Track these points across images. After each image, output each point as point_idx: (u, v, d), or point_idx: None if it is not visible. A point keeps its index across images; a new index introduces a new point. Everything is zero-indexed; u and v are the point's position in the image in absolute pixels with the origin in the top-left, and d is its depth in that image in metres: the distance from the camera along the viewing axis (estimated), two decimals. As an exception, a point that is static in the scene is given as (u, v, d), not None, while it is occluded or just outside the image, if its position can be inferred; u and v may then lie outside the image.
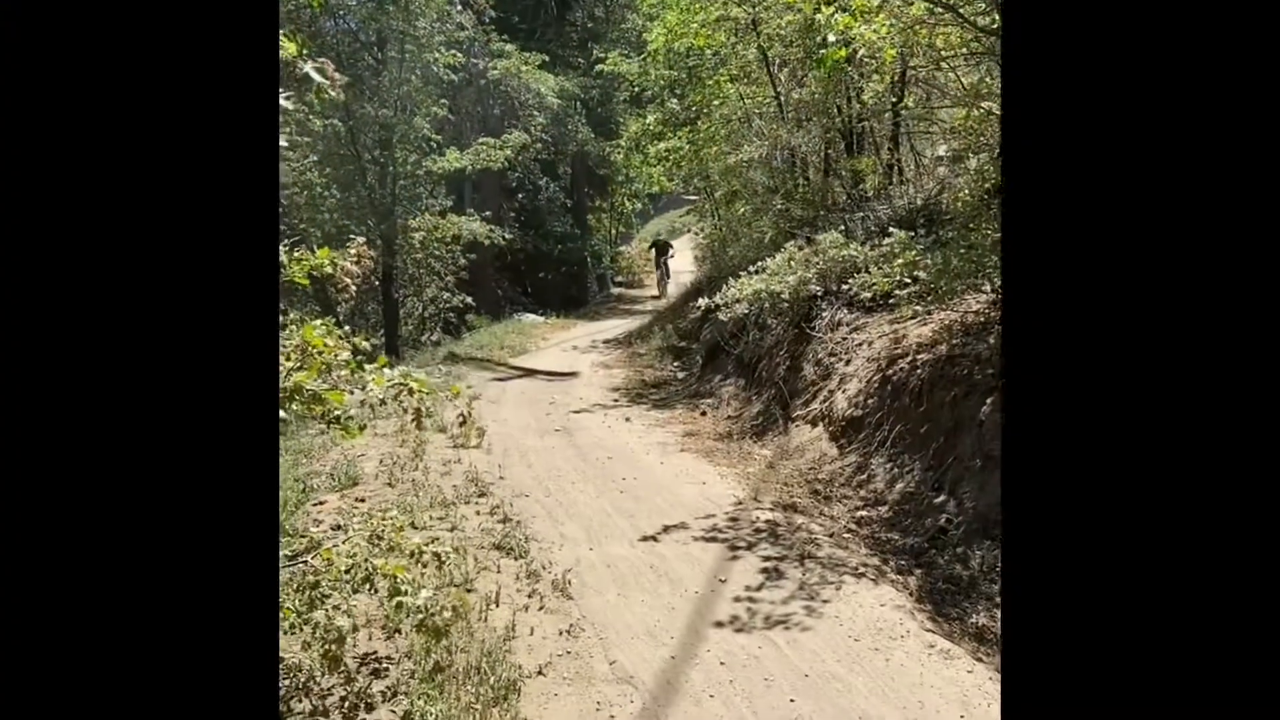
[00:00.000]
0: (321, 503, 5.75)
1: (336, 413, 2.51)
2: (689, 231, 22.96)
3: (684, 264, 21.20)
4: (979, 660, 3.81)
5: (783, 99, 10.80)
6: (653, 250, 22.40)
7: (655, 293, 21.66)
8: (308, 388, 2.46)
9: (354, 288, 3.27)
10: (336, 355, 2.73)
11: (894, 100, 9.07)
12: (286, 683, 3.57)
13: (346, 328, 3.26)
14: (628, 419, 8.79)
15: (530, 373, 11.72)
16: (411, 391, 2.85)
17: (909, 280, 6.49)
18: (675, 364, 11.73)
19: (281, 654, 3.73)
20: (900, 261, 6.55)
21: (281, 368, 2.73)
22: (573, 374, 11.54)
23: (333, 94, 3.01)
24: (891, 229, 7.25)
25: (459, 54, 17.00)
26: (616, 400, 9.84)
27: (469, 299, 18.50)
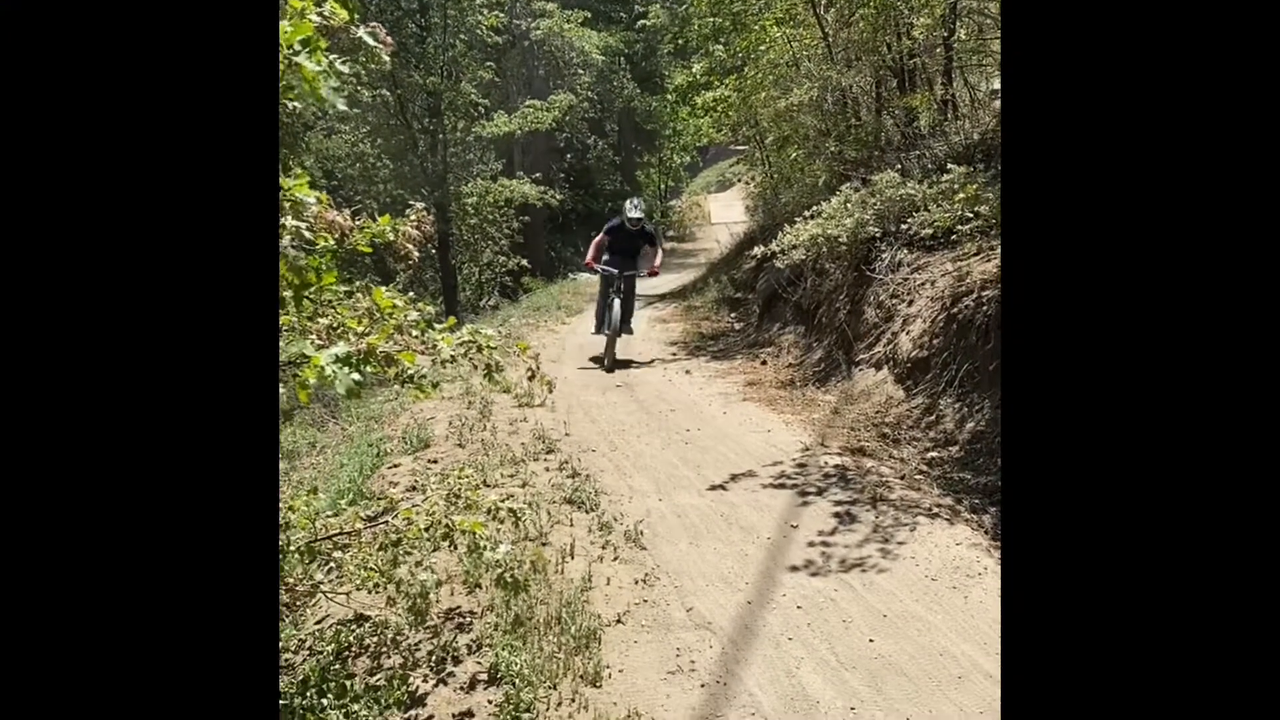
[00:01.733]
0: (396, 465, 5.88)
1: (410, 372, 2.56)
2: (739, 181, 22.66)
3: (735, 215, 20.93)
4: (1059, 594, 3.78)
5: (830, 40, 10.58)
6: (603, 252, 9.31)
7: (706, 246, 19.86)
8: (380, 349, 2.51)
9: (416, 254, 3.30)
10: (406, 316, 2.78)
11: (945, 34, 8.83)
12: (374, 639, 3.68)
13: (410, 294, 3.30)
14: (687, 371, 8.79)
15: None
16: (480, 348, 2.90)
17: (970, 215, 6.36)
18: (732, 315, 11.67)
19: (367, 612, 3.85)
20: (961, 196, 6.42)
21: (353, 332, 2.78)
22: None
23: (385, 58, 3.02)
24: (949, 165, 7.11)
25: (501, 15, 16.95)
26: (675, 354, 9.84)
27: (524, 261, 18.61)
